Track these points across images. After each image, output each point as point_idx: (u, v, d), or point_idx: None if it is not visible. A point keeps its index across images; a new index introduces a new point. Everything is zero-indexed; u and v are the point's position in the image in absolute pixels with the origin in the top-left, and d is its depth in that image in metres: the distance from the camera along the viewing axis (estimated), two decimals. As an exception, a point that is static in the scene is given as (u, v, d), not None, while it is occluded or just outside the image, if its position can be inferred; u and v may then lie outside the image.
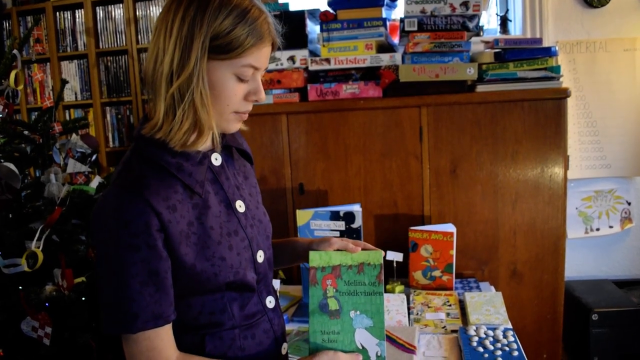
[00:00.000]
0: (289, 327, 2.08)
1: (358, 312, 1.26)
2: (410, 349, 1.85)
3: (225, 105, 1.16)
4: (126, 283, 1.08)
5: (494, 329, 1.94)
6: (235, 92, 1.15)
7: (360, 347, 1.25)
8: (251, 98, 1.18)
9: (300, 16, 2.65)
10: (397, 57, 2.57)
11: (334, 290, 1.26)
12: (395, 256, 2.35)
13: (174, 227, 1.12)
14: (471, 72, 2.49)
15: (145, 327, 1.10)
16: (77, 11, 3.93)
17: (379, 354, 1.25)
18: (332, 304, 1.26)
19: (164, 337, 1.13)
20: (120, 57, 3.92)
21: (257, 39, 1.13)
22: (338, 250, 1.30)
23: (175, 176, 1.16)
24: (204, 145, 1.24)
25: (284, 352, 1.35)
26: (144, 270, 1.09)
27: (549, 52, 2.47)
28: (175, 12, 1.11)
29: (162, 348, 1.13)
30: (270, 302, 1.32)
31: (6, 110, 2.08)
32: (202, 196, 1.19)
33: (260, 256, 1.28)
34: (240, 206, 1.27)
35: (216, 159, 1.26)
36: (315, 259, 1.27)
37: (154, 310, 1.10)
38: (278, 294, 1.85)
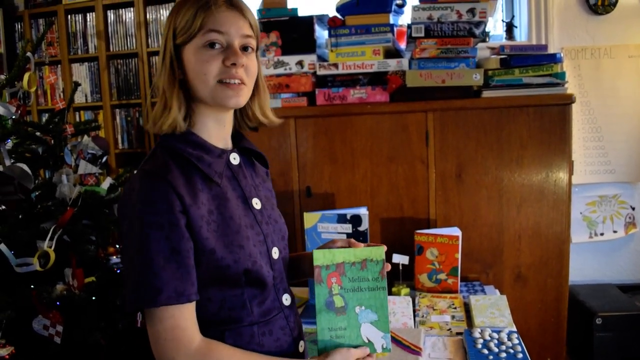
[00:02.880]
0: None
1: (363, 308, 1.29)
2: (415, 351, 1.87)
3: (203, 75, 1.22)
4: (150, 259, 1.14)
5: (498, 332, 1.96)
6: (207, 59, 1.21)
7: (367, 341, 1.28)
8: (229, 62, 1.21)
9: (308, 22, 2.68)
10: (404, 62, 2.60)
11: (339, 287, 1.28)
12: (401, 259, 2.37)
13: (195, 211, 1.18)
14: (477, 78, 2.51)
15: (168, 302, 1.14)
16: (88, 14, 3.97)
17: (384, 346, 1.29)
18: (338, 301, 1.28)
19: (187, 317, 1.17)
20: (130, 60, 3.95)
21: (206, 9, 1.21)
22: (342, 247, 1.34)
23: (195, 167, 1.24)
24: (223, 144, 1.33)
25: (301, 349, 1.38)
26: (166, 247, 1.15)
27: (554, 59, 2.49)
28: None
29: (186, 327, 1.17)
30: (286, 299, 1.36)
31: (19, 111, 2.11)
32: (220, 185, 1.26)
33: (275, 253, 1.33)
34: (256, 203, 1.33)
35: (234, 159, 1.33)
36: (319, 257, 1.29)
37: (176, 287, 1.14)
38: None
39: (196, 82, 1.23)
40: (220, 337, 1.23)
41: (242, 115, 1.39)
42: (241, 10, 1.25)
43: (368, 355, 1.28)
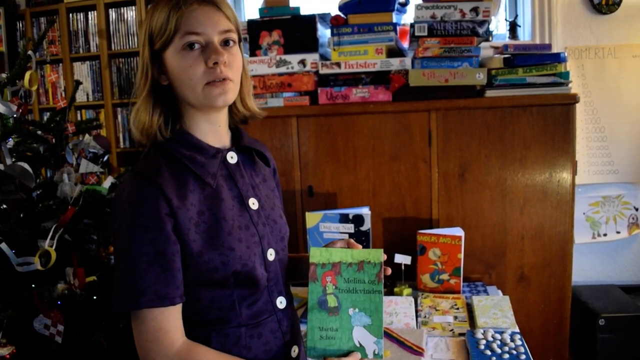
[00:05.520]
0: (297, 328, 2.09)
1: (357, 310, 1.26)
2: (418, 352, 1.86)
3: (189, 80, 1.20)
4: (134, 261, 1.14)
5: (501, 333, 1.95)
6: (190, 63, 1.19)
7: (358, 345, 1.25)
8: (211, 62, 1.18)
9: (311, 20, 2.67)
10: (407, 61, 2.59)
11: (334, 287, 1.26)
12: (404, 259, 2.36)
13: (183, 214, 1.18)
14: (480, 77, 2.50)
15: (150, 305, 1.14)
16: (89, 13, 3.96)
17: (376, 352, 1.25)
18: (331, 301, 1.26)
19: (170, 319, 1.17)
20: (132, 58, 3.95)
21: (177, 9, 1.18)
22: (340, 247, 1.31)
23: (188, 167, 1.23)
24: (220, 142, 1.31)
25: (294, 354, 1.35)
26: (151, 250, 1.15)
27: (558, 58, 2.48)
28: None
29: (168, 330, 1.17)
30: (281, 302, 1.33)
31: (20, 110, 2.10)
32: (213, 187, 1.24)
33: (271, 254, 1.30)
34: (253, 204, 1.31)
35: (232, 158, 1.31)
36: (316, 255, 1.27)
37: (159, 290, 1.15)
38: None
39: (184, 88, 1.21)
40: (207, 337, 1.23)
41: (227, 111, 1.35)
42: (215, 3, 1.21)
43: None
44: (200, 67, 1.19)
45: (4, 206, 2.06)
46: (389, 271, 1.29)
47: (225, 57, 1.20)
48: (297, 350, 1.36)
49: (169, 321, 1.17)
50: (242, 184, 1.30)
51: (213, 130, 1.29)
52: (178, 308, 1.19)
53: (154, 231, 1.15)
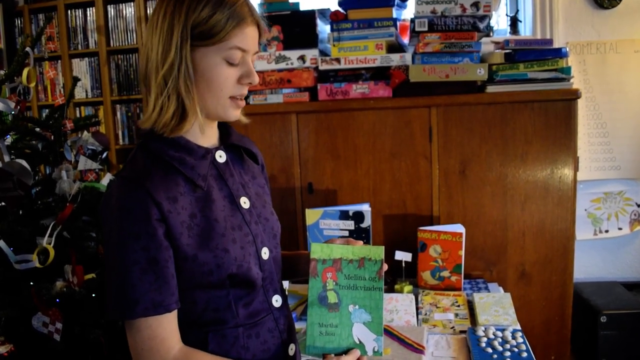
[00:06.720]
0: (297, 325, 2.07)
1: (357, 307, 1.25)
2: (419, 349, 1.85)
3: (219, 90, 1.18)
4: (127, 269, 1.11)
5: (502, 330, 1.94)
6: (226, 76, 1.17)
7: (358, 342, 1.24)
8: (244, 81, 1.19)
9: (310, 16, 2.66)
10: (407, 57, 2.57)
11: (334, 283, 1.26)
12: (404, 256, 2.35)
13: (175, 218, 1.15)
14: (481, 73, 2.49)
15: (146, 314, 1.12)
16: (88, 9, 3.95)
17: (375, 349, 1.25)
18: (332, 297, 1.26)
19: (166, 326, 1.15)
20: (130, 55, 3.93)
21: (238, 21, 1.16)
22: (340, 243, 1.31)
23: (177, 169, 1.19)
24: (209, 141, 1.28)
25: (291, 352, 1.33)
26: (144, 258, 1.12)
27: (559, 53, 2.47)
28: (159, 9, 1.17)
29: (164, 338, 1.14)
30: (277, 301, 1.32)
31: (18, 107, 2.09)
32: (204, 189, 1.21)
33: (265, 253, 1.29)
34: (244, 202, 1.28)
35: (220, 157, 1.28)
36: (317, 250, 1.27)
37: (154, 298, 1.12)
38: (286, 293, 1.84)
39: (206, 94, 1.18)
40: (203, 338, 1.21)
41: None
42: (259, 25, 1.21)
43: (358, 358, 1.24)
44: (233, 81, 1.18)
45: (2, 203, 2.05)
46: (386, 266, 1.28)
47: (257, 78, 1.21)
48: (294, 349, 1.35)
49: (165, 328, 1.15)
50: (232, 183, 1.28)
51: (203, 132, 1.26)
52: (174, 314, 1.17)
53: (146, 238, 1.12)
